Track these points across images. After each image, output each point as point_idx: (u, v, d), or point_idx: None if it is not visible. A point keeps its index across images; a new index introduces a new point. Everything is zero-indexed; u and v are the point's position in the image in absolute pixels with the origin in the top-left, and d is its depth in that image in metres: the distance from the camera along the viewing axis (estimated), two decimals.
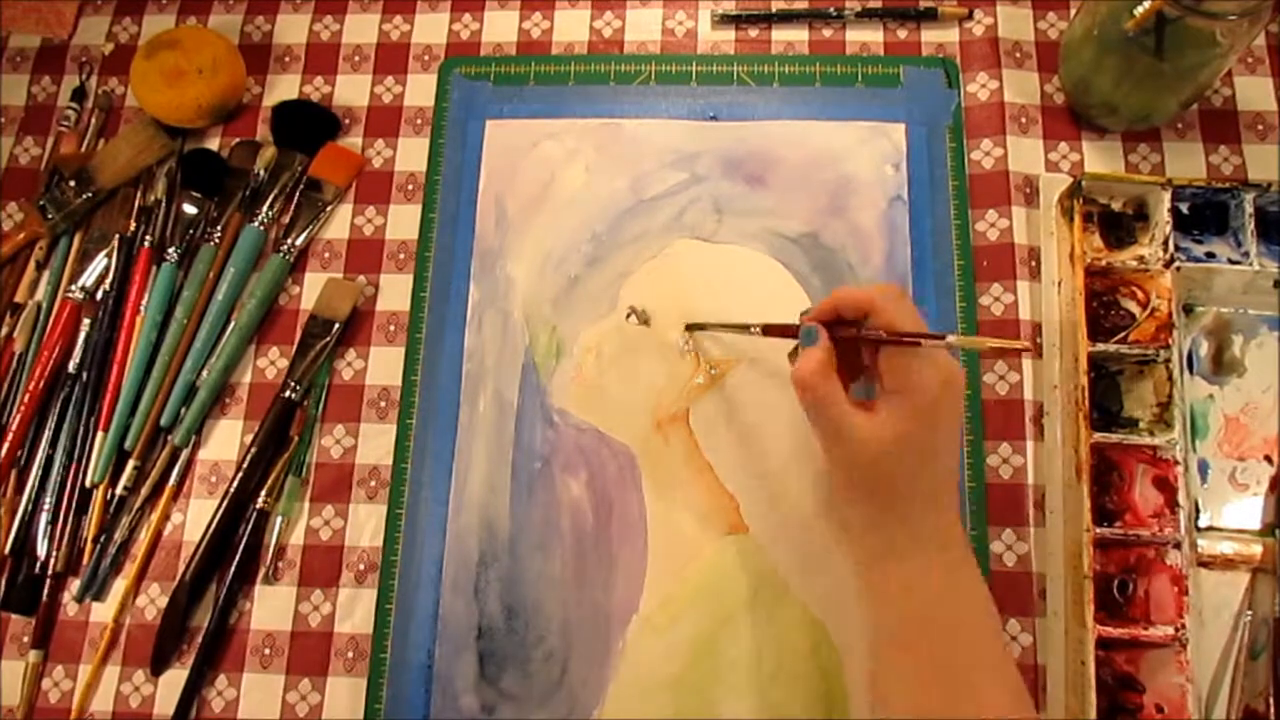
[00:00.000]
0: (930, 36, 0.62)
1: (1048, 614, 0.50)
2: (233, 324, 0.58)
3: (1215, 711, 0.48)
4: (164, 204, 0.60)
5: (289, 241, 0.59)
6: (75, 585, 0.54)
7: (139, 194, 0.61)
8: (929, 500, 0.41)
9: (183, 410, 0.56)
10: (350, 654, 0.52)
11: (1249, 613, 0.49)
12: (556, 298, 0.57)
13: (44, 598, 0.53)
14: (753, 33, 0.63)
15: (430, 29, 0.64)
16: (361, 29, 0.65)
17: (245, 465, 0.54)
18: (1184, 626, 0.46)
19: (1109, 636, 0.46)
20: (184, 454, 0.56)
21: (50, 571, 0.53)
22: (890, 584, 0.41)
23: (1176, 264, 0.52)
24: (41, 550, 0.54)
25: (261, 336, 0.58)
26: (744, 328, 0.50)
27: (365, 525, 0.54)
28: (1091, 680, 0.45)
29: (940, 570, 0.41)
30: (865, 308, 0.41)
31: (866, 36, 0.62)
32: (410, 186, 0.60)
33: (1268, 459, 0.51)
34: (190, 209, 0.60)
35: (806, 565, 0.51)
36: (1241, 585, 0.50)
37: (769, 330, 0.47)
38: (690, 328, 0.55)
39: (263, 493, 0.54)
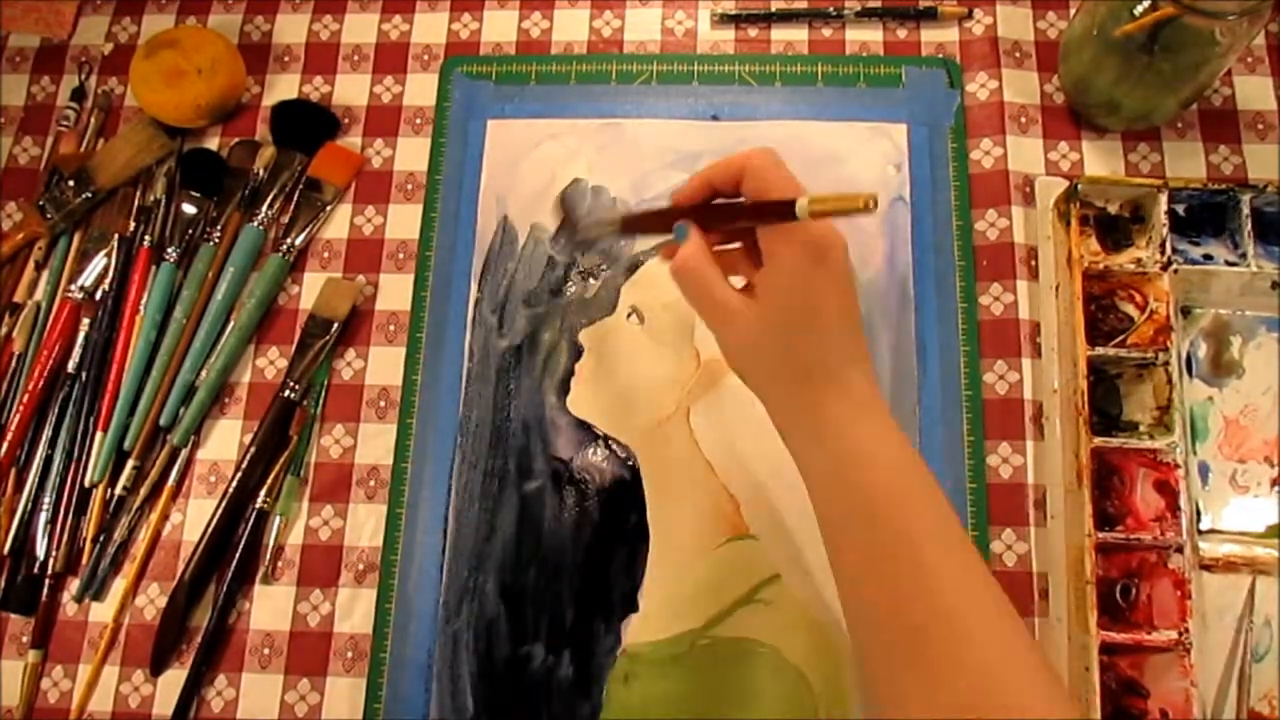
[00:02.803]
0: (930, 36, 0.62)
1: (1051, 619, 0.50)
2: (232, 324, 0.58)
3: (1220, 715, 0.48)
4: (163, 204, 0.60)
5: (288, 241, 0.58)
6: (74, 585, 0.54)
7: (138, 194, 0.61)
8: (822, 369, 0.38)
9: (182, 410, 0.56)
10: (350, 654, 0.52)
11: (1252, 616, 0.49)
12: (557, 297, 0.57)
13: (43, 597, 0.53)
14: (752, 32, 0.63)
15: (430, 29, 0.64)
16: (361, 29, 0.64)
17: (244, 465, 0.54)
18: (1187, 630, 0.46)
19: (1112, 641, 0.46)
20: (183, 454, 0.55)
21: (49, 571, 0.53)
22: (816, 463, 0.39)
23: (1174, 266, 0.52)
24: (41, 550, 0.54)
25: (261, 336, 0.58)
26: (611, 223, 0.47)
27: (364, 525, 0.54)
28: (1096, 686, 0.45)
29: (865, 438, 0.37)
30: (737, 176, 0.39)
31: (866, 36, 0.62)
32: (410, 186, 0.60)
33: (1268, 461, 0.51)
34: (189, 209, 0.60)
35: (807, 565, 0.51)
36: (1244, 588, 0.49)
37: (629, 224, 0.46)
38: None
39: (262, 492, 0.54)
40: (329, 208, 0.60)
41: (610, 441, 0.54)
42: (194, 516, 0.55)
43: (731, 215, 0.40)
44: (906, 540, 0.36)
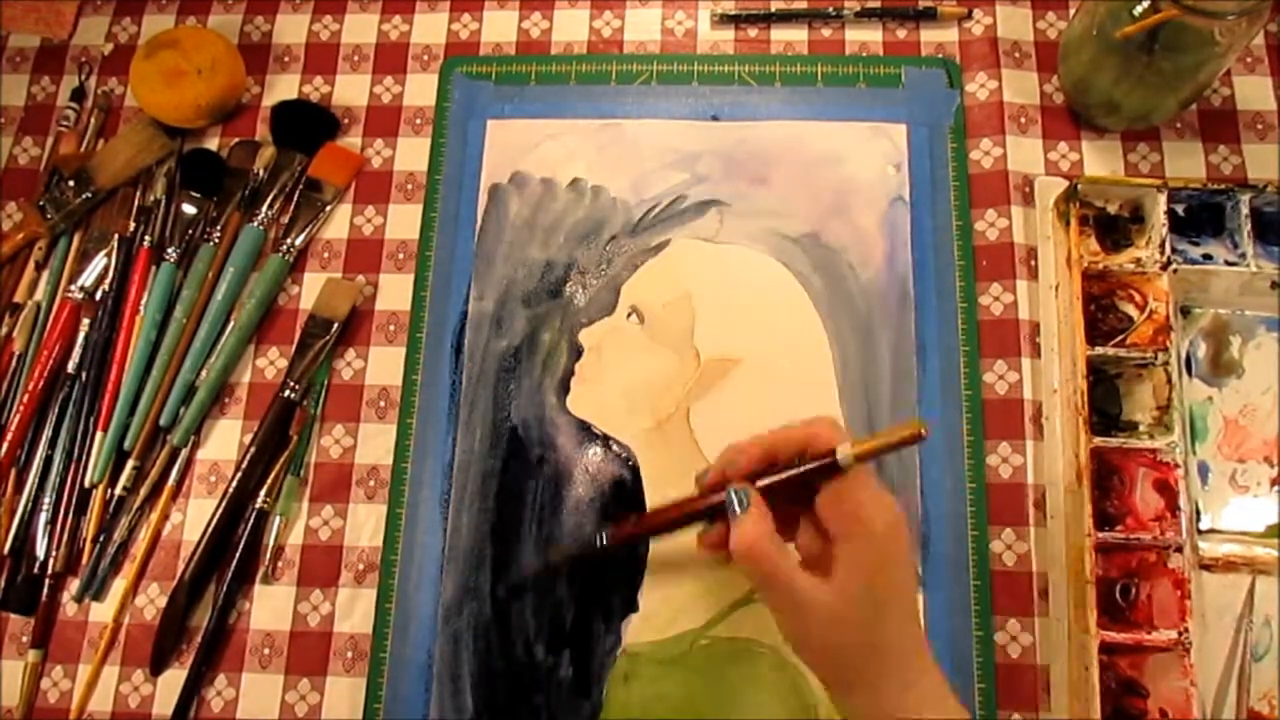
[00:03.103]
0: (929, 36, 0.62)
1: (1051, 619, 0.50)
2: (232, 324, 0.58)
3: (1220, 714, 0.48)
4: (163, 204, 0.60)
5: (288, 241, 0.58)
6: (74, 585, 0.54)
7: (138, 194, 0.61)
8: (887, 652, 0.38)
9: (182, 410, 0.56)
10: (349, 654, 0.52)
11: (1251, 616, 0.49)
12: (557, 297, 0.57)
13: (43, 597, 0.53)
14: (752, 32, 0.63)
15: (429, 29, 0.64)
16: (361, 29, 0.64)
17: (244, 465, 0.54)
18: (1187, 630, 0.46)
19: (1112, 641, 0.46)
20: (183, 454, 0.55)
21: (49, 571, 0.53)
22: None
23: (1173, 266, 0.52)
24: (41, 550, 0.54)
25: (261, 336, 0.58)
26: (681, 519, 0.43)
27: (364, 525, 0.54)
28: (1095, 686, 0.45)
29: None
30: (803, 444, 0.38)
31: (866, 36, 0.62)
32: (409, 186, 0.60)
33: (1268, 460, 0.51)
34: (189, 209, 0.60)
35: None
36: (1243, 588, 0.49)
37: (686, 511, 0.42)
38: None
39: (262, 492, 0.54)
40: (329, 208, 0.60)
41: (610, 441, 0.54)
42: (194, 516, 0.55)
43: (781, 486, 0.38)
44: None
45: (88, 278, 0.59)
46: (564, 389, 0.55)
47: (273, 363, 0.57)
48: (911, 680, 0.38)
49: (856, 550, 0.37)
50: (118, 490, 0.54)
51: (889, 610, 0.38)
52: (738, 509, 0.39)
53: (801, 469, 0.38)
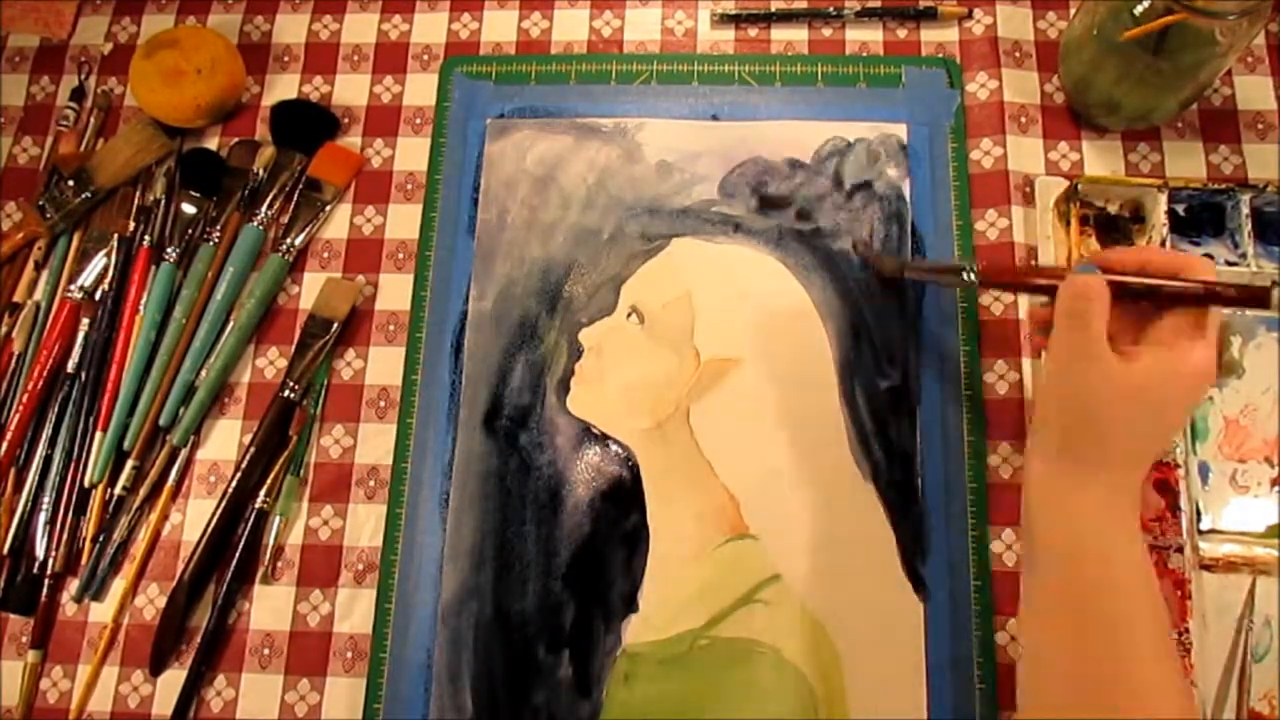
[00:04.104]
0: (930, 36, 0.62)
1: None
2: (231, 324, 0.57)
3: (1220, 715, 0.48)
4: (163, 204, 0.60)
5: (288, 241, 0.58)
6: (74, 585, 0.54)
7: (138, 194, 0.61)
8: (1132, 457, 0.40)
9: (181, 410, 0.56)
10: (349, 654, 0.52)
11: (1252, 616, 0.49)
12: (557, 297, 0.57)
13: (43, 598, 0.53)
14: (752, 32, 0.63)
15: (429, 28, 0.64)
16: (360, 28, 0.64)
17: (244, 465, 0.54)
18: (1187, 630, 0.46)
19: None
20: (183, 454, 0.55)
21: (49, 571, 0.53)
22: (1055, 536, 0.41)
23: None
24: (40, 550, 0.54)
25: (260, 336, 0.58)
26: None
27: (364, 525, 0.54)
28: None
29: (1113, 528, 0.40)
30: (1178, 267, 0.40)
31: (866, 36, 0.62)
32: (409, 186, 0.60)
33: (1268, 461, 0.51)
34: (189, 209, 0.60)
35: (807, 566, 0.51)
36: (1244, 588, 0.49)
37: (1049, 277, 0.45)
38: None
39: (261, 492, 0.54)
40: (329, 208, 0.60)
41: (610, 441, 0.54)
42: (194, 516, 0.55)
43: (1198, 295, 0.40)
44: (1114, 656, 0.38)
45: (87, 278, 0.59)
46: (564, 389, 0.55)
47: (272, 363, 0.57)
48: (1139, 493, 0.41)
49: (1165, 356, 0.39)
50: (117, 490, 0.54)
51: (1163, 416, 0.40)
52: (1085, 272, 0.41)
53: (1215, 296, 0.39)
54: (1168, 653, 0.39)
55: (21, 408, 0.56)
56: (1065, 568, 0.40)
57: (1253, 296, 0.38)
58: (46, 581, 0.53)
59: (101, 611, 0.54)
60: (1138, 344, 0.41)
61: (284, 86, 0.63)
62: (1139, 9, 0.50)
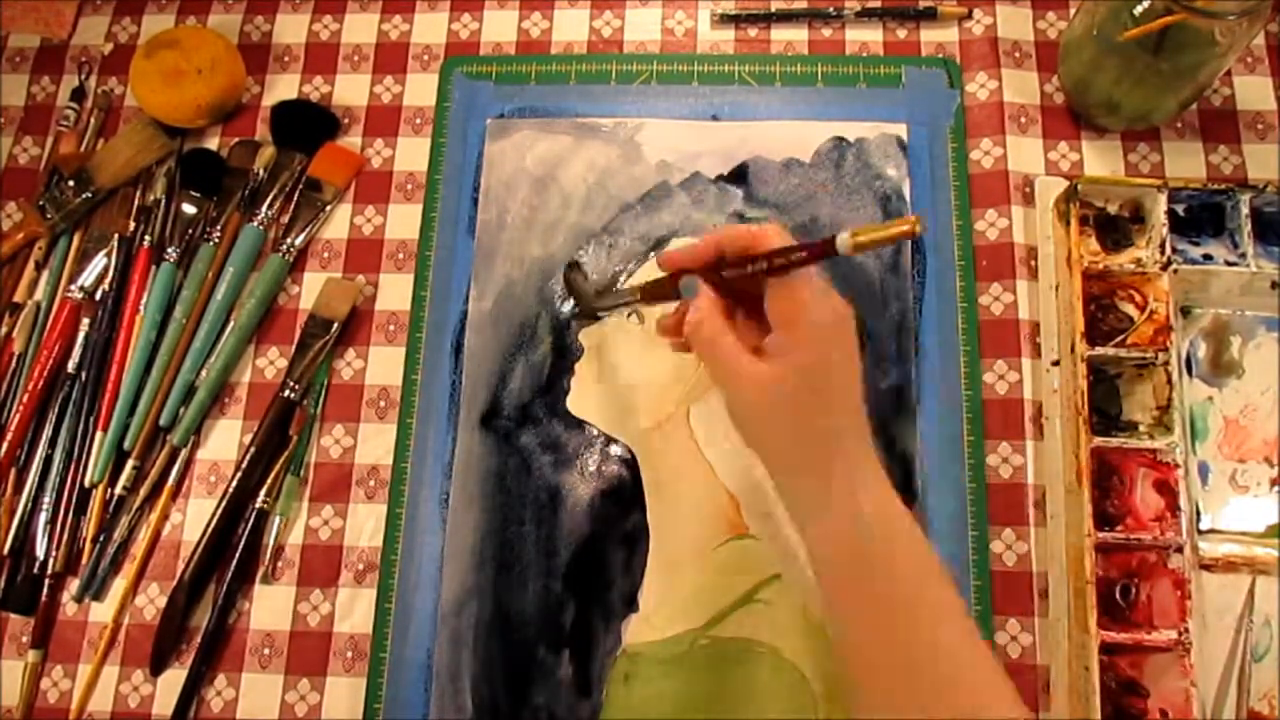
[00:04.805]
0: (929, 36, 0.62)
1: (1051, 619, 0.50)
2: (232, 324, 0.58)
3: (1220, 715, 0.48)
4: (163, 204, 0.60)
5: (288, 241, 0.58)
6: (74, 585, 0.54)
7: (138, 194, 0.61)
8: (832, 438, 0.39)
9: (182, 410, 0.56)
10: (349, 654, 0.52)
11: (1251, 616, 0.49)
12: (557, 297, 0.57)
13: (43, 597, 0.53)
14: (752, 32, 0.63)
15: (429, 29, 0.64)
16: (361, 29, 0.64)
17: (244, 465, 0.54)
18: (1187, 630, 0.46)
19: (1112, 641, 0.46)
20: (183, 454, 0.55)
21: (49, 571, 0.53)
22: (820, 527, 0.39)
23: (1173, 266, 0.52)
24: (40, 550, 0.54)
25: (261, 336, 0.58)
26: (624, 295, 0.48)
27: (364, 525, 0.54)
28: (1096, 686, 0.45)
29: (869, 505, 0.38)
30: (748, 243, 0.39)
31: (866, 36, 0.62)
32: (409, 186, 0.60)
33: (1268, 461, 0.51)
34: (189, 209, 0.60)
35: (807, 566, 0.51)
36: (1243, 588, 0.49)
37: (645, 293, 0.46)
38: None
39: (261, 492, 0.54)
40: (329, 208, 0.60)
41: (610, 441, 0.54)
42: (194, 516, 0.55)
43: (765, 262, 0.39)
44: (909, 613, 0.37)
45: (88, 278, 0.59)
46: (564, 389, 0.55)
47: (273, 363, 0.57)
48: (854, 467, 0.39)
49: (798, 337, 0.38)
50: (118, 490, 0.54)
51: (829, 397, 0.39)
52: (689, 294, 0.41)
53: (787, 255, 0.38)
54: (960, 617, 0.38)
55: (22, 408, 0.56)
56: (856, 567, 0.39)
57: (822, 250, 0.36)
58: (47, 581, 0.53)
59: (102, 611, 0.54)
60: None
61: (284, 86, 0.64)
62: (1139, 9, 0.50)
